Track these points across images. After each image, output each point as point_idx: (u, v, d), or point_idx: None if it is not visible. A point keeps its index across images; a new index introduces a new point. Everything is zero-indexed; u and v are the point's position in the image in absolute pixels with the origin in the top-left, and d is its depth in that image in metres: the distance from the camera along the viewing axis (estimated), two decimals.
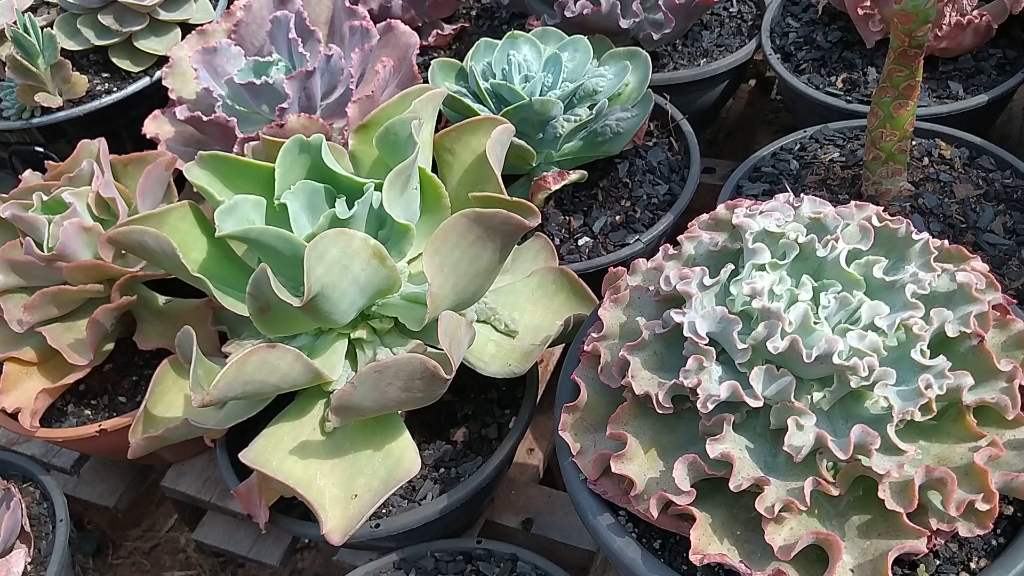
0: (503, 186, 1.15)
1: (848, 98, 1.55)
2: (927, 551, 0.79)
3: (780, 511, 0.79)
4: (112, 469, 1.67)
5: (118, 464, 1.67)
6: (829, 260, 0.86)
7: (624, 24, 1.56)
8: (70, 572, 1.38)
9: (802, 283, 0.85)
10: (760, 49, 1.73)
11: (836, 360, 0.78)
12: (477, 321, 1.19)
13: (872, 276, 0.85)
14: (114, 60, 1.82)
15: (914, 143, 1.35)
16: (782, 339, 0.79)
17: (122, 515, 1.75)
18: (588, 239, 1.42)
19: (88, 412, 1.44)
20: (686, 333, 0.83)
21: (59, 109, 1.77)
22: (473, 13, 1.96)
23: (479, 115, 1.27)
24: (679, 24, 1.63)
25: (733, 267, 0.88)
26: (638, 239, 1.40)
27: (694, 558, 0.81)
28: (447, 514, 1.15)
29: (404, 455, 1.08)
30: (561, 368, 1.08)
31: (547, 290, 1.25)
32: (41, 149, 1.75)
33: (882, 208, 0.92)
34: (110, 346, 1.43)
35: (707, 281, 0.87)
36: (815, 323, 0.81)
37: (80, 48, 1.81)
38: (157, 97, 1.73)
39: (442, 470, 1.20)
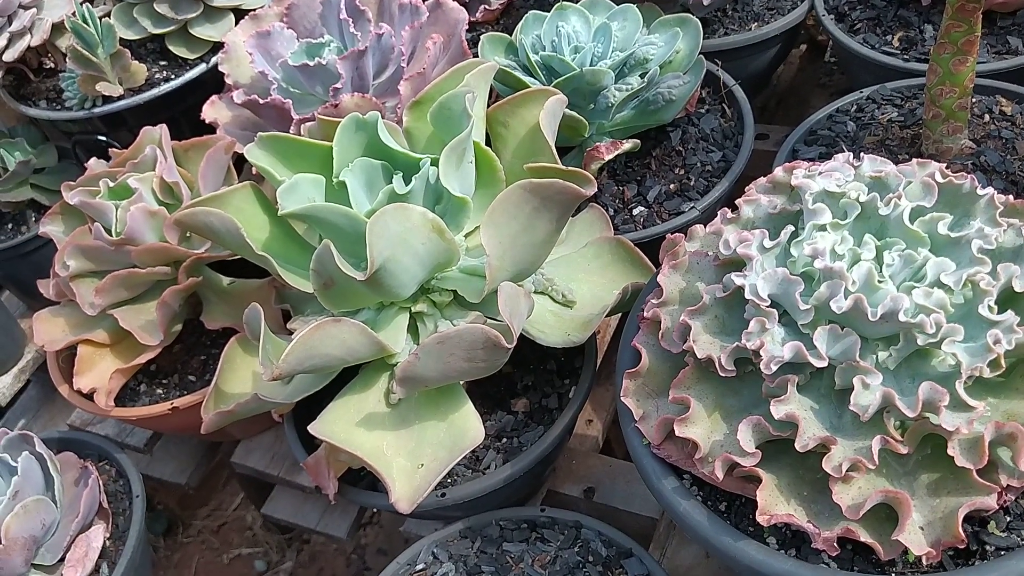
0: (558, 157, 1.15)
1: (905, 56, 1.52)
2: (997, 507, 0.78)
3: (848, 470, 0.79)
4: (183, 447, 1.72)
5: (188, 443, 1.72)
6: (892, 218, 0.85)
7: None
8: (146, 546, 1.43)
9: (864, 242, 0.84)
10: (812, 11, 1.70)
11: (902, 318, 0.77)
12: (535, 292, 1.20)
13: (936, 233, 0.83)
14: (171, 48, 1.85)
15: (974, 100, 1.33)
16: (846, 298, 0.78)
17: (192, 491, 1.80)
18: (642, 208, 1.42)
19: (160, 391, 1.48)
20: (747, 295, 0.83)
21: (120, 98, 1.80)
22: None
23: (530, 88, 1.27)
24: None
25: (793, 229, 0.88)
26: (693, 207, 1.39)
27: (761, 519, 0.81)
28: (511, 483, 1.16)
29: (468, 425, 1.09)
30: (619, 341, 1.08)
31: (603, 260, 1.25)
32: (103, 138, 1.79)
33: (944, 166, 0.91)
34: (178, 327, 1.47)
35: (767, 243, 0.86)
36: (879, 281, 0.80)
37: (137, 37, 1.84)
38: (213, 83, 1.76)
39: (504, 440, 1.22)
